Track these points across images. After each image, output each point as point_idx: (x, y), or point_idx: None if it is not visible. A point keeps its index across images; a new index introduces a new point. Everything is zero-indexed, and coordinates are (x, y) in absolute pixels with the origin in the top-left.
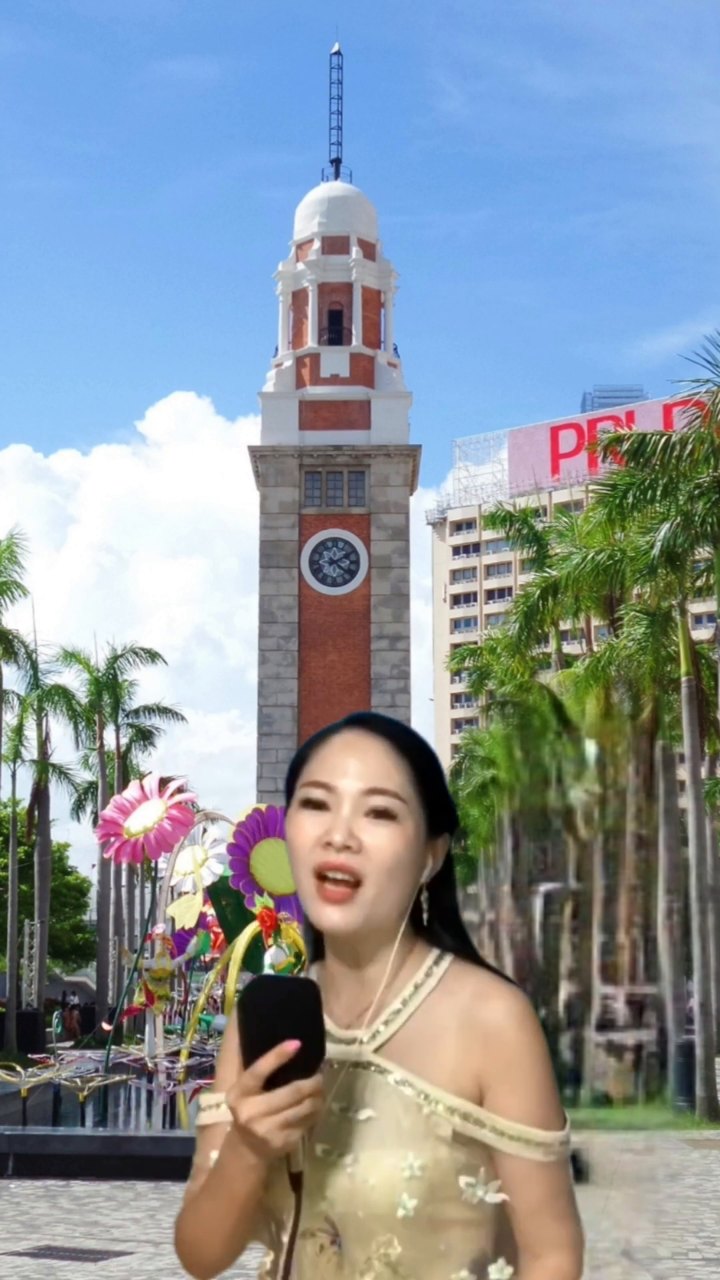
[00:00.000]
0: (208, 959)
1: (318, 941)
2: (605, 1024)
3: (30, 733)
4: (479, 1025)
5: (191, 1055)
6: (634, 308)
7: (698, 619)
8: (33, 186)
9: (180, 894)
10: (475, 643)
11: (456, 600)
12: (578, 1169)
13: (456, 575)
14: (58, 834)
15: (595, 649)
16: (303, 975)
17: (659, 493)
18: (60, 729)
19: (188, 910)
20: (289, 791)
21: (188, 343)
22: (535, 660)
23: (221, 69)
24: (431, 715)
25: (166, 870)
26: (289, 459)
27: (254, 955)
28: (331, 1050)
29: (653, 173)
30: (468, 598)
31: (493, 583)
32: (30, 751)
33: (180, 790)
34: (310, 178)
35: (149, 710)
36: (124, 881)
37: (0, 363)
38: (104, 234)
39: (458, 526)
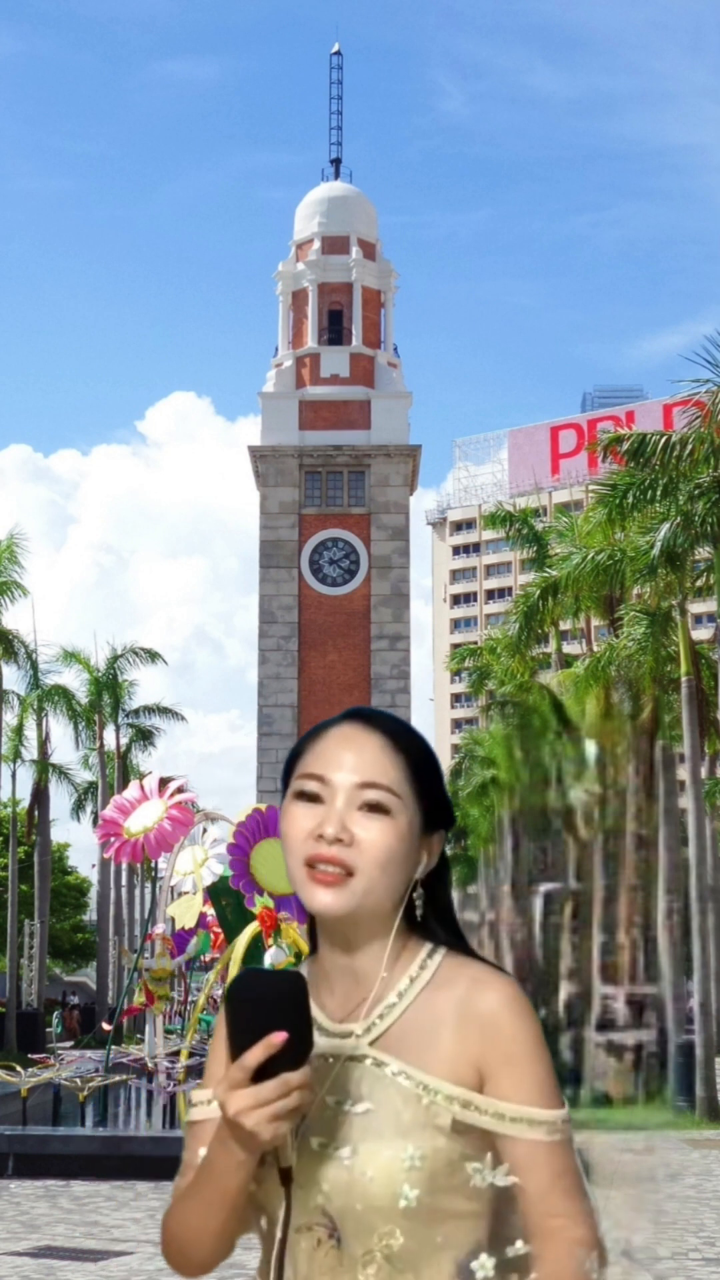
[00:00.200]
0: (208, 959)
1: (313, 936)
2: (605, 1024)
3: (30, 733)
4: (477, 1014)
5: (191, 1055)
6: (634, 308)
7: (698, 619)
8: (33, 186)
9: (180, 894)
10: (475, 643)
11: (456, 600)
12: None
13: (456, 575)
14: (58, 834)
15: (595, 649)
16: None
17: (659, 493)
18: (60, 729)
19: (188, 910)
20: (285, 784)
21: (188, 343)
22: (535, 660)
23: (221, 69)
24: (431, 715)
25: (166, 870)
26: (289, 459)
27: (254, 955)
28: (325, 1044)
29: (653, 173)
30: (468, 598)
31: (493, 583)
32: (30, 751)
33: (180, 790)
34: (310, 178)
35: (149, 710)
36: (124, 881)
37: (0, 363)
38: (104, 234)
39: (458, 526)
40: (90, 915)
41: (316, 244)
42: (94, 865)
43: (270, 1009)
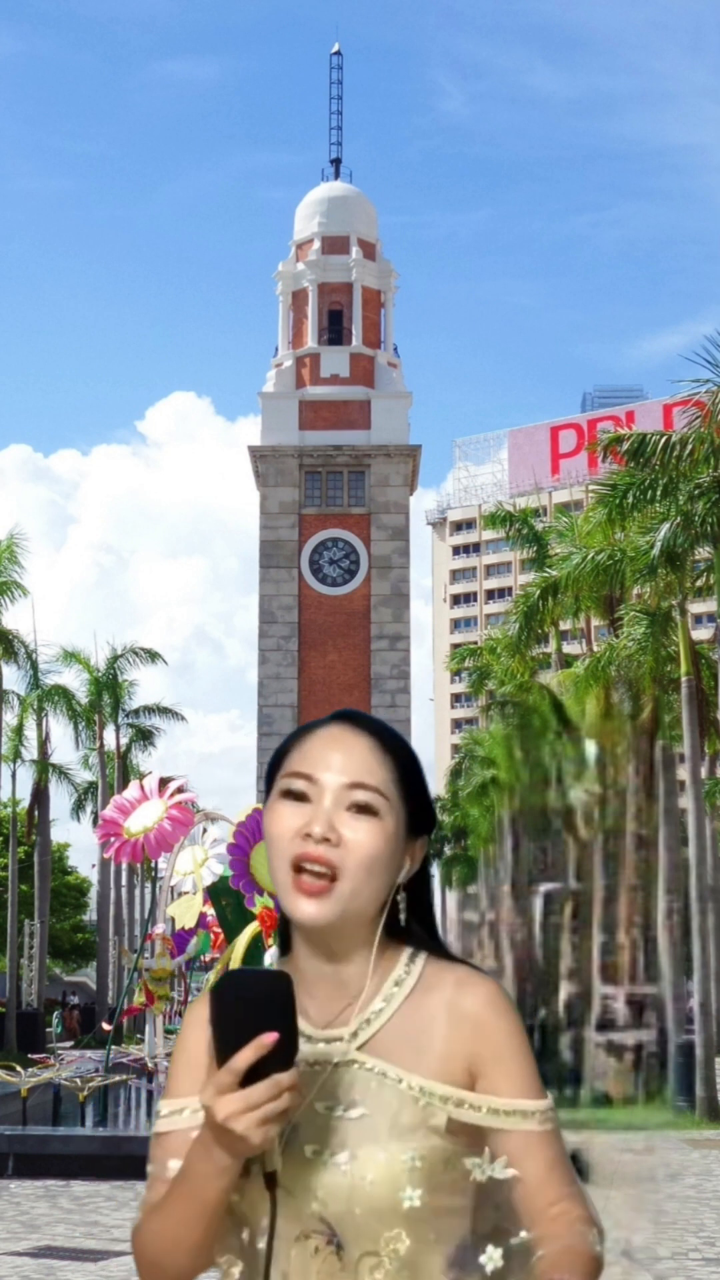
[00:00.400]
0: (208, 959)
1: (285, 935)
2: (605, 1024)
3: (30, 733)
4: (466, 1015)
5: None
6: (634, 308)
7: (698, 619)
8: (33, 186)
9: (180, 894)
10: (475, 643)
11: (456, 600)
12: (578, 1169)
13: (456, 575)
14: (58, 834)
15: (595, 649)
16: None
17: (659, 493)
18: (60, 729)
19: (188, 910)
20: (269, 783)
21: (188, 343)
22: (535, 660)
23: (221, 69)
24: (431, 715)
25: (166, 870)
26: (289, 459)
27: (254, 955)
28: (311, 1050)
29: (653, 173)
30: (468, 598)
31: (493, 583)
32: (30, 751)
33: (180, 790)
34: (310, 178)
35: (149, 710)
36: (124, 881)
37: (0, 363)
38: (104, 234)
39: (458, 526)
40: (90, 915)
41: (316, 244)
42: (94, 865)
43: (259, 1009)
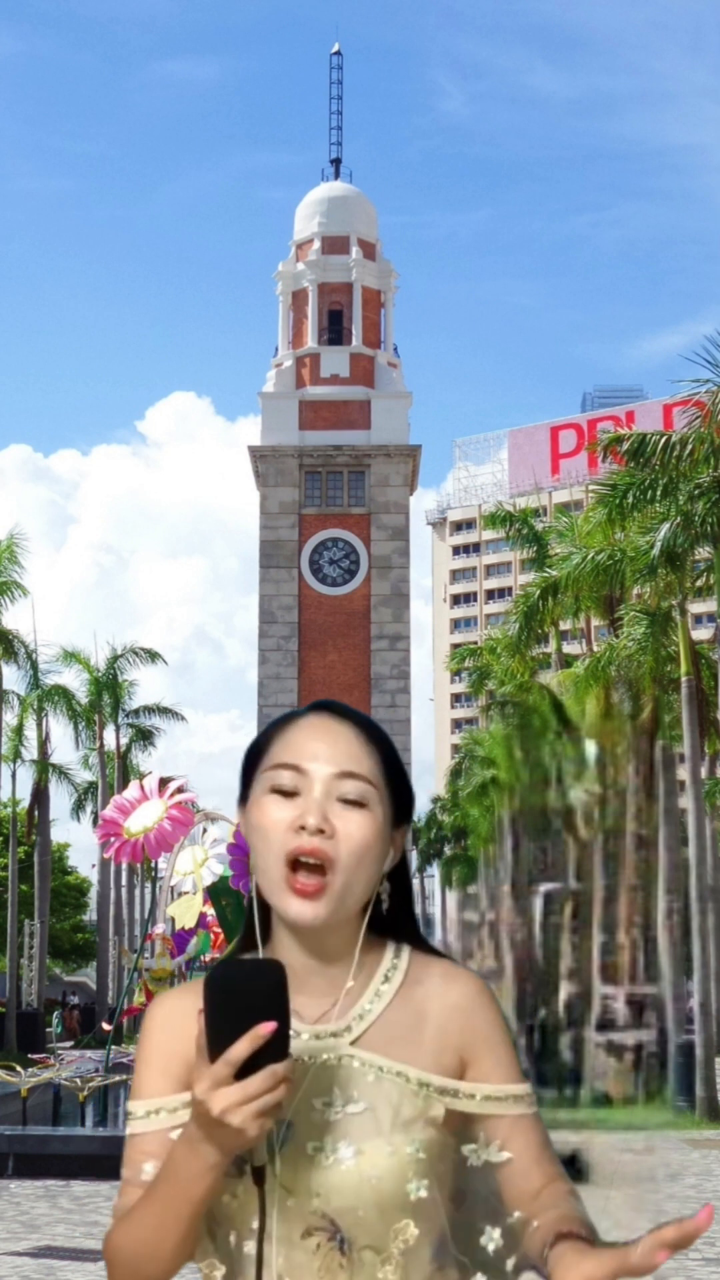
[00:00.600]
0: (208, 959)
1: (251, 927)
2: (606, 1024)
3: (30, 733)
4: (455, 1006)
5: None
6: (634, 308)
7: (698, 619)
8: (33, 186)
9: (180, 894)
10: (475, 643)
11: (456, 600)
12: (578, 1169)
13: (456, 575)
14: (58, 834)
15: (595, 649)
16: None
17: (659, 493)
18: (60, 729)
19: (188, 910)
20: (248, 777)
21: (188, 343)
22: (535, 660)
23: (221, 69)
24: (431, 715)
25: (166, 870)
26: (289, 459)
27: None
28: (304, 1046)
29: (653, 173)
30: (468, 598)
31: (493, 583)
32: (30, 751)
33: (180, 790)
34: (310, 178)
35: (149, 710)
36: (124, 881)
37: (0, 363)
38: (104, 234)
39: (458, 526)
40: (90, 915)
41: (316, 244)
42: (94, 865)
43: (252, 999)
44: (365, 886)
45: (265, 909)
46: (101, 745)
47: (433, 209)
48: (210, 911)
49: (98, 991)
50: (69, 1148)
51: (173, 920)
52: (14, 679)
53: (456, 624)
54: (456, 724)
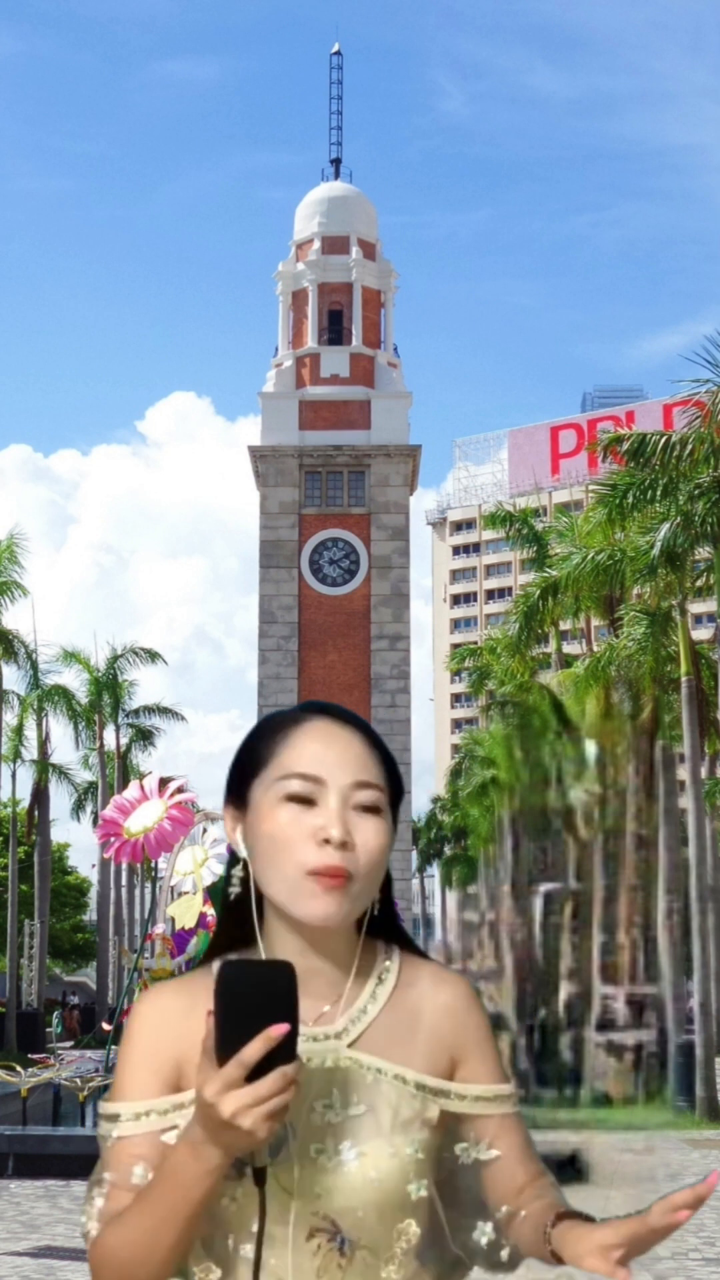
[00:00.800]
0: None
1: (229, 931)
2: (606, 1024)
3: (30, 733)
4: (446, 1009)
5: None
6: (634, 308)
7: (698, 619)
8: (33, 186)
9: (180, 894)
10: (475, 643)
11: (456, 600)
12: (578, 1169)
13: (456, 575)
14: (58, 834)
15: (595, 649)
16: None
17: (659, 493)
18: (60, 729)
19: (188, 910)
20: (244, 777)
21: (188, 343)
22: (535, 660)
23: (221, 69)
24: (431, 715)
25: (166, 870)
26: (289, 459)
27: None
28: (302, 1048)
29: (653, 173)
30: (468, 598)
31: (493, 583)
32: (30, 751)
33: (180, 790)
34: (310, 178)
35: (149, 710)
36: (124, 881)
37: (0, 363)
38: (104, 234)
39: (458, 526)
40: (90, 915)
41: (316, 244)
42: (94, 865)
43: (262, 1000)
44: (375, 890)
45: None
46: (101, 745)
47: (433, 209)
48: (210, 911)
49: (98, 991)
50: (69, 1148)
51: (173, 920)
52: (14, 679)
53: (456, 624)
54: (456, 724)
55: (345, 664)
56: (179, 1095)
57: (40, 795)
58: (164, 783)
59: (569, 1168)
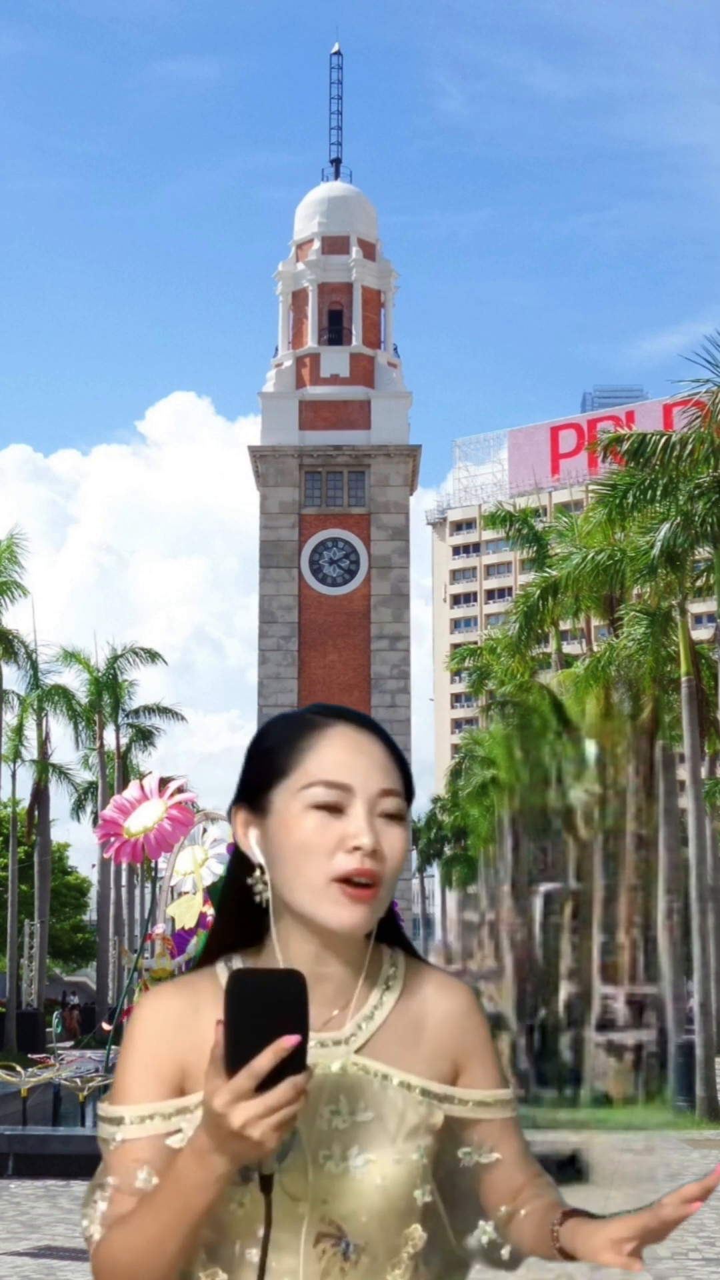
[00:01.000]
0: None
1: (222, 937)
2: (606, 1024)
3: (30, 733)
4: (450, 1015)
5: None
6: (634, 308)
7: (698, 619)
8: (33, 186)
9: (180, 894)
10: (475, 643)
11: (456, 600)
12: (578, 1169)
13: (456, 575)
14: (58, 834)
15: (595, 649)
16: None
17: (659, 493)
18: (60, 729)
19: (188, 910)
20: (262, 783)
21: (188, 343)
22: (535, 660)
23: (221, 69)
24: (431, 715)
25: (166, 870)
26: (289, 459)
27: None
28: (310, 1054)
29: (653, 173)
30: (468, 598)
31: (493, 583)
32: (30, 751)
33: (180, 790)
34: (310, 178)
35: (149, 710)
36: (124, 881)
37: (0, 363)
38: (104, 234)
39: (458, 526)
40: (90, 915)
41: (316, 244)
42: (94, 865)
43: (273, 1009)
44: (392, 895)
45: (255, 915)
46: (101, 745)
47: (433, 209)
48: (210, 911)
49: (98, 991)
50: (69, 1148)
51: (173, 920)
52: (14, 679)
53: (456, 624)
54: (456, 724)
55: (345, 664)
56: (183, 1099)
57: (40, 795)
58: (164, 783)
59: (569, 1168)
